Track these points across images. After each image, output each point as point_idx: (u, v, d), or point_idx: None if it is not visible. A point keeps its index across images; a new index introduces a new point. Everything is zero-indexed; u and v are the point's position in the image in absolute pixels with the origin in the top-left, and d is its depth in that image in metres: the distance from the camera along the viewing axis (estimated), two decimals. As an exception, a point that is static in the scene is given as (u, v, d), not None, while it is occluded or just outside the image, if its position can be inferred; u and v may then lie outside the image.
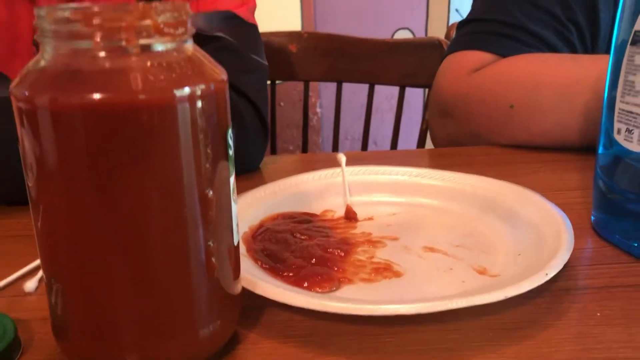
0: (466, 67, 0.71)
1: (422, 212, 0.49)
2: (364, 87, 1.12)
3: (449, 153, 0.69)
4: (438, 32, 1.85)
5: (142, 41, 0.26)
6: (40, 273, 0.40)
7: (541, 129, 0.66)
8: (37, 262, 0.41)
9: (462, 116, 0.71)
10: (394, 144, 1.12)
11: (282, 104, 1.91)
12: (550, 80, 0.65)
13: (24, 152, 0.27)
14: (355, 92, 1.14)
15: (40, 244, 0.29)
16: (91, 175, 0.26)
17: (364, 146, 1.14)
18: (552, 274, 0.34)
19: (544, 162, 0.63)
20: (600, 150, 0.45)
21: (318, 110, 1.93)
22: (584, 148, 0.63)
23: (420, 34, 1.87)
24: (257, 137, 0.63)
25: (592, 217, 0.46)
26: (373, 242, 0.44)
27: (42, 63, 0.27)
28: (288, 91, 1.87)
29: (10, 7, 0.69)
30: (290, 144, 1.93)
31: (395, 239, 0.44)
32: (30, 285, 0.39)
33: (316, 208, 0.50)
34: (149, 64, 0.26)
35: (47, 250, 0.29)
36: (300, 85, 1.16)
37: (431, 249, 0.42)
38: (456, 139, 0.72)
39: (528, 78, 0.66)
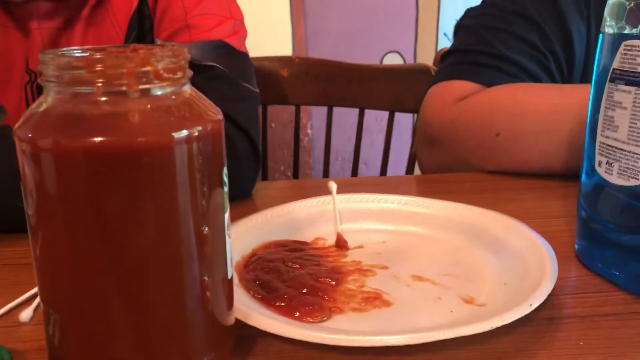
0: (452, 96, 0.73)
1: (410, 240, 0.50)
2: (353, 110, 1.14)
3: (437, 180, 0.70)
4: (427, 55, 1.88)
5: (142, 86, 0.27)
6: (35, 302, 0.41)
7: (526, 156, 0.67)
8: (32, 291, 0.42)
9: (448, 144, 0.72)
10: (384, 166, 1.13)
11: (273, 125, 1.93)
12: (534, 109, 0.67)
13: (25, 189, 0.28)
14: (345, 114, 1.15)
15: (39, 275, 0.30)
16: (91, 213, 0.27)
17: (355, 167, 1.15)
18: (535, 304, 0.35)
19: (528, 189, 0.64)
20: (583, 178, 0.46)
21: (309, 131, 1.95)
22: (568, 175, 0.65)
23: (409, 57, 1.90)
24: (249, 164, 0.64)
25: (576, 246, 0.48)
26: (363, 271, 0.45)
27: (45, 106, 0.28)
28: (279, 112, 1.89)
29: (4, 36, 0.70)
30: (281, 164, 1.94)
31: (385, 267, 0.45)
32: (26, 315, 0.39)
33: (307, 236, 0.51)
34: (148, 107, 0.27)
35: (46, 282, 0.30)
36: (291, 107, 1.18)
37: (419, 278, 0.44)
38: (443, 166, 0.74)
39: (513, 106, 0.68)
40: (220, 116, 0.30)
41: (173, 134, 0.27)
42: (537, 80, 0.73)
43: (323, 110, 1.16)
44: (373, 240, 0.50)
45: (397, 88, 1.06)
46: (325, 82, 1.12)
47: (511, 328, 0.36)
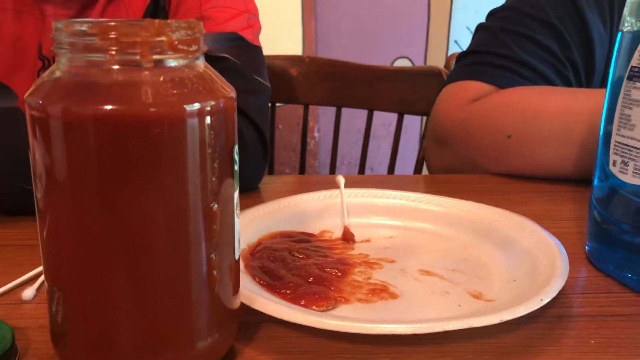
0: (465, 96, 0.72)
1: (418, 236, 0.50)
2: (361, 113, 1.13)
3: (445, 180, 0.69)
4: (437, 62, 1.88)
5: (156, 57, 0.27)
6: (38, 282, 0.40)
7: (537, 160, 0.67)
8: (36, 270, 0.42)
9: (459, 144, 0.72)
10: (390, 170, 1.13)
11: (280, 126, 1.93)
12: (547, 112, 0.66)
13: (34, 161, 0.28)
14: (352, 118, 1.15)
15: (45, 251, 0.29)
16: (99, 185, 0.27)
17: (361, 171, 1.15)
18: (547, 299, 0.35)
19: (538, 192, 0.63)
20: (596, 182, 0.46)
21: (316, 134, 1.95)
22: (578, 179, 0.64)
23: (419, 64, 1.90)
24: (257, 157, 0.64)
25: (587, 247, 0.47)
26: (370, 264, 0.44)
27: (57, 74, 0.27)
28: (286, 115, 1.89)
29: (18, 21, 0.70)
30: (286, 167, 1.94)
31: (392, 261, 0.45)
32: (28, 293, 0.39)
33: (314, 228, 0.50)
34: (161, 78, 0.27)
35: (52, 258, 0.29)
36: (298, 109, 1.17)
37: (427, 272, 0.43)
38: (452, 167, 0.73)
39: (526, 109, 0.68)
40: (233, 94, 0.30)
41: (185, 106, 0.27)
42: (552, 85, 0.72)
43: (330, 114, 1.16)
44: (380, 235, 0.50)
45: (407, 90, 1.05)
46: (335, 82, 1.12)
47: (520, 323, 0.36)
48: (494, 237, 0.47)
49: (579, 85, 0.74)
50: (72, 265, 0.28)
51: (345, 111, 1.14)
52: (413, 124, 1.52)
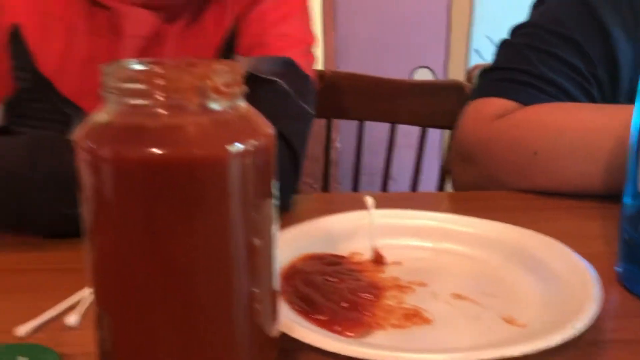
0: (489, 113, 0.73)
1: (449, 257, 0.50)
2: (382, 124, 1.14)
3: (471, 197, 0.70)
4: (458, 71, 1.88)
5: (201, 100, 0.28)
6: (82, 307, 0.41)
7: (564, 177, 0.67)
8: (78, 296, 0.43)
9: (484, 161, 0.72)
10: (413, 183, 1.13)
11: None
12: (574, 128, 0.66)
13: (85, 196, 0.29)
14: (373, 129, 1.16)
15: (95, 279, 0.30)
16: (146, 222, 0.28)
17: (383, 182, 1.15)
18: (581, 327, 0.35)
19: (564, 209, 0.63)
20: (627, 200, 0.46)
21: (338, 145, 1.96)
22: (605, 195, 0.64)
23: (439, 73, 1.90)
24: (289, 182, 0.64)
25: (618, 268, 0.47)
26: (402, 287, 0.45)
27: (106, 117, 0.29)
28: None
29: (92, 44, 0.71)
30: (309, 177, 1.95)
31: (424, 284, 0.45)
32: (73, 319, 0.40)
33: (344, 250, 0.51)
34: (205, 121, 0.28)
35: (101, 287, 0.30)
36: (321, 120, 1.18)
37: (459, 296, 0.43)
38: (478, 184, 0.73)
39: (552, 125, 0.68)
40: (272, 131, 0.31)
41: (229, 147, 0.28)
42: (576, 102, 0.72)
43: (351, 124, 1.17)
44: (410, 257, 0.50)
45: (428, 103, 1.06)
46: (356, 96, 1.12)
47: (554, 350, 0.36)
48: (524, 259, 0.47)
49: (604, 101, 0.74)
50: (121, 296, 0.29)
51: (366, 122, 1.15)
52: (434, 135, 1.52)
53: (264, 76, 0.64)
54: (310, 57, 0.73)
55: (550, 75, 0.73)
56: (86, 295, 0.43)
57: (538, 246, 0.47)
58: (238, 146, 0.28)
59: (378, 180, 1.20)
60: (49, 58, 0.72)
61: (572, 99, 0.73)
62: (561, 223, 0.60)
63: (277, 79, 0.64)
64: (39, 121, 0.74)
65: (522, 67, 0.74)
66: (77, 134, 0.29)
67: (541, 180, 0.68)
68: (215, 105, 0.28)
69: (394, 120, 1.12)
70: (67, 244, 0.51)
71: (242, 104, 0.30)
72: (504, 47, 0.80)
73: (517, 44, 0.77)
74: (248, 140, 0.28)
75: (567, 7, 0.77)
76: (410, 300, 0.43)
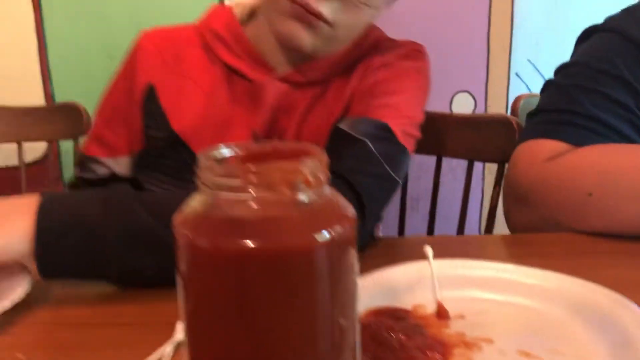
0: (541, 155, 0.73)
1: (512, 310, 0.51)
2: (428, 158, 1.15)
3: (528, 241, 0.70)
4: (498, 95, 1.87)
5: (292, 193, 0.30)
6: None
7: (620, 218, 0.67)
8: (159, 354, 0.45)
9: (538, 203, 0.73)
10: (461, 218, 1.13)
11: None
12: (628, 168, 0.66)
13: (181, 276, 0.32)
14: (419, 164, 1.17)
15: (192, 353, 0.33)
16: (239, 304, 0.30)
17: (431, 217, 1.16)
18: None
19: (625, 254, 0.63)
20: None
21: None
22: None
23: (480, 98, 1.90)
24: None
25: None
26: (468, 344, 0.46)
27: (203, 207, 0.31)
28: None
29: (231, 110, 0.76)
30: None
31: (490, 341, 0.46)
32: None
33: (406, 302, 0.52)
34: (295, 212, 0.30)
35: (198, 355, 0.33)
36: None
37: (526, 354, 0.44)
38: (533, 225, 0.74)
39: (605, 165, 0.68)
40: (351, 212, 0.33)
41: (316, 236, 0.30)
42: (629, 142, 0.72)
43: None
44: (473, 310, 0.51)
45: (476, 138, 1.07)
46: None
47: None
48: (589, 314, 0.48)
49: None
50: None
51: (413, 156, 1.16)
52: (477, 169, 1.52)
53: (354, 134, 0.66)
54: (412, 131, 0.73)
55: (600, 114, 0.73)
56: (168, 351, 0.46)
57: (603, 301, 0.48)
58: (325, 235, 0.30)
59: (426, 215, 1.20)
60: (183, 119, 0.76)
61: (624, 137, 0.73)
62: (623, 271, 0.59)
63: (366, 139, 0.66)
64: (166, 176, 0.79)
65: (571, 107, 0.74)
66: (176, 219, 0.32)
67: (597, 222, 0.68)
68: (304, 197, 0.30)
69: (440, 154, 1.13)
70: (153, 295, 0.53)
71: (327, 190, 0.32)
72: (550, 88, 0.80)
73: (564, 85, 0.78)
74: (334, 227, 0.30)
75: (612, 44, 0.77)
76: (478, 359, 0.44)
